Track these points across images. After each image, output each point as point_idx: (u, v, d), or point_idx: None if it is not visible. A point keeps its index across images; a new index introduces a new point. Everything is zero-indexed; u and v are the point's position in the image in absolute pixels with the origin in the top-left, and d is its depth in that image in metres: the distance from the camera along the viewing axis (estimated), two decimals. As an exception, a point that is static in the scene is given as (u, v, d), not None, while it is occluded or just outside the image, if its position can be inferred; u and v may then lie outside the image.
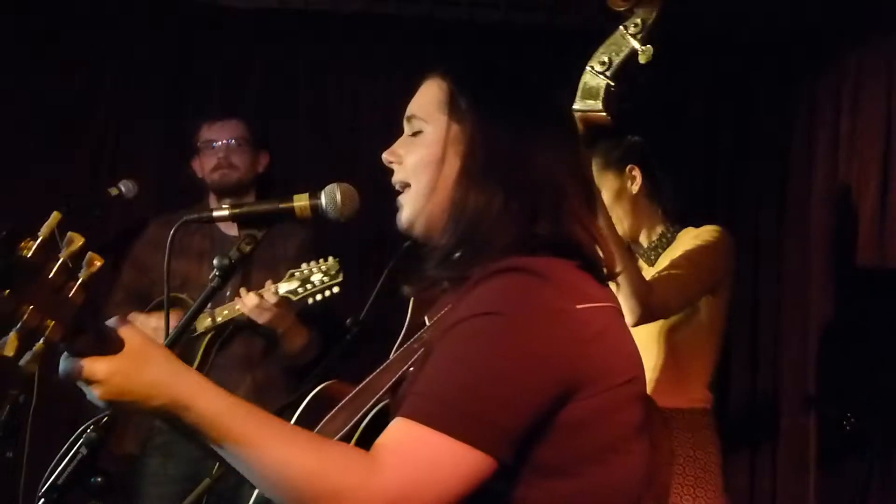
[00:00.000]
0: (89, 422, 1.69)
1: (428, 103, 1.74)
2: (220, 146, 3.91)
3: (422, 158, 1.71)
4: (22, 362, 1.39)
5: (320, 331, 3.89)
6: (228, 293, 3.71)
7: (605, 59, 2.51)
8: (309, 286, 3.58)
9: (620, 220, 3.35)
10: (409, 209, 1.73)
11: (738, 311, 4.54)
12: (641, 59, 2.48)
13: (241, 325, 3.74)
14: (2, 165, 4.38)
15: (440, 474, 1.41)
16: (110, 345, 1.44)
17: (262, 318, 3.62)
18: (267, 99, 4.62)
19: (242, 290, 3.60)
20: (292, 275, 3.61)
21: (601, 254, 1.66)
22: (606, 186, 3.35)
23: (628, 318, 3.01)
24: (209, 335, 3.69)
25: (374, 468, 1.40)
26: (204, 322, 3.66)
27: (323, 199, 1.90)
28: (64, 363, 1.42)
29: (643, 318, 3.01)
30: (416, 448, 1.42)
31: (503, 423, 1.42)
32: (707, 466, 3.23)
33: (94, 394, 1.44)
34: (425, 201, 1.70)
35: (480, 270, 1.54)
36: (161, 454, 3.74)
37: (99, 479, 1.52)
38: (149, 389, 1.43)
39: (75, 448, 1.63)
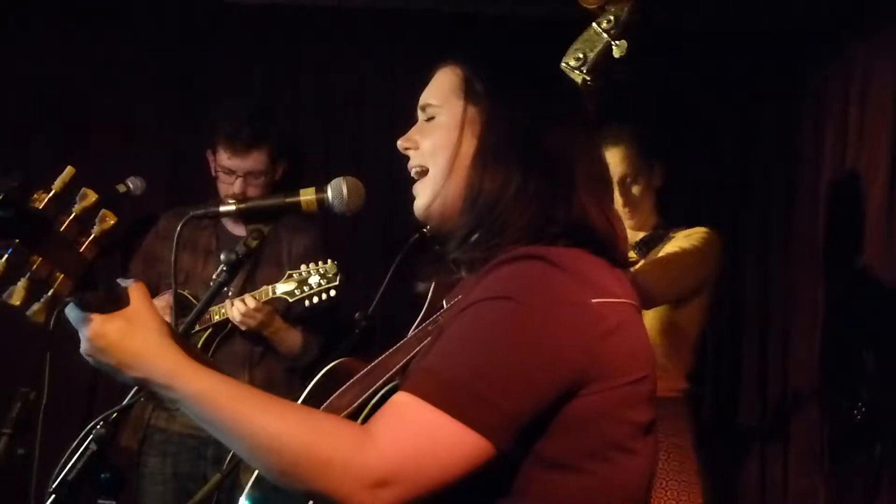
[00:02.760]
0: (98, 418, 1.69)
1: (442, 89, 1.73)
2: (238, 181, 3.83)
3: (439, 141, 1.70)
4: (29, 312, 1.41)
5: (320, 333, 3.90)
6: (231, 292, 3.73)
7: (580, 55, 2.52)
8: (306, 288, 3.59)
9: (643, 212, 3.42)
10: (426, 195, 1.72)
11: (747, 304, 4.55)
12: (616, 54, 2.49)
13: None
14: (9, 162, 4.39)
15: (436, 452, 1.39)
16: (115, 303, 1.45)
17: (245, 326, 3.64)
18: (273, 93, 4.62)
19: (228, 302, 3.62)
20: (290, 276, 3.62)
21: (616, 238, 1.65)
22: (642, 175, 3.40)
23: None
24: (207, 332, 3.70)
25: (368, 440, 1.38)
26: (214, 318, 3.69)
27: (329, 193, 1.90)
28: (70, 311, 1.45)
29: None
30: (414, 423, 1.40)
31: (504, 409, 1.40)
32: (685, 451, 3.32)
33: (83, 345, 1.47)
34: (442, 184, 1.68)
35: (499, 255, 1.53)
36: (160, 453, 3.76)
37: (108, 475, 1.52)
38: (128, 359, 1.45)
39: (85, 444, 1.63)
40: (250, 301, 3.60)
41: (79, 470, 1.58)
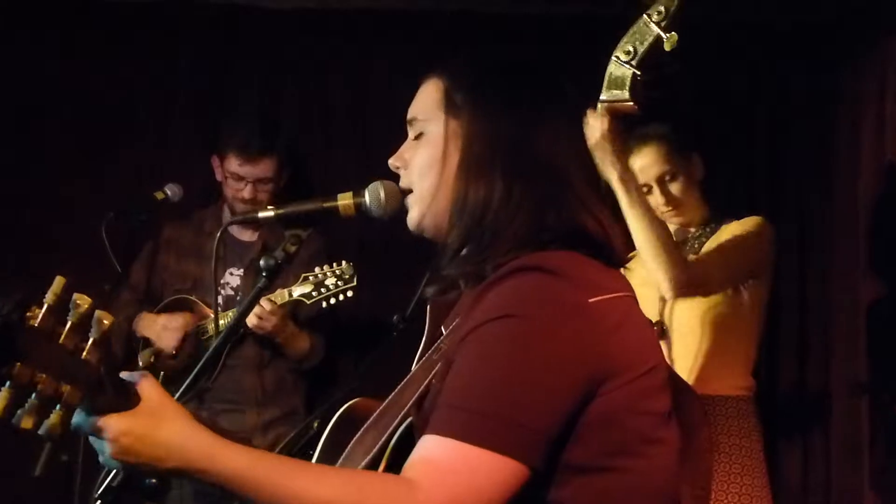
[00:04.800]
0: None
1: (426, 104, 1.73)
2: (248, 187, 3.91)
3: (425, 160, 1.71)
4: (41, 431, 1.39)
5: (324, 335, 3.93)
6: (240, 297, 3.76)
7: (630, 49, 2.49)
8: (323, 290, 3.62)
9: (691, 207, 3.39)
10: (415, 211, 1.74)
11: (787, 299, 4.51)
12: (666, 47, 2.46)
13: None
14: (48, 172, 4.44)
15: (478, 487, 1.40)
16: (127, 400, 1.44)
17: (261, 330, 3.66)
18: (305, 99, 4.64)
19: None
20: (306, 278, 3.64)
21: (610, 238, 1.64)
22: (683, 171, 3.36)
23: (669, 291, 2.99)
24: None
25: (414, 491, 1.39)
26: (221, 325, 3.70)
27: (367, 197, 1.90)
28: (77, 417, 1.42)
29: (684, 288, 2.99)
30: (451, 464, 1.40)
31: (532, 428, 1.41)
32: (752, 454, 3.22)
33: (104, 451, 1.44)
34: (430, 201, 1.69)
35: (493, 271, 1.53)
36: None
37: (153, 481, 1.53)
38: (160, 452, 1.43)
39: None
40: (266, 304, 3.62)
41: (123, 476, 1.58)
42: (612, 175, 2.78)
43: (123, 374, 1.48)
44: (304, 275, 3.65)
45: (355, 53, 4.64)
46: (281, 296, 3.66)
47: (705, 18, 4.13)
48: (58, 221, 4.37)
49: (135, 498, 1.62)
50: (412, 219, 1.75)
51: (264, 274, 1.94)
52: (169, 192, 3.91)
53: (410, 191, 1.76)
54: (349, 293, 3.64)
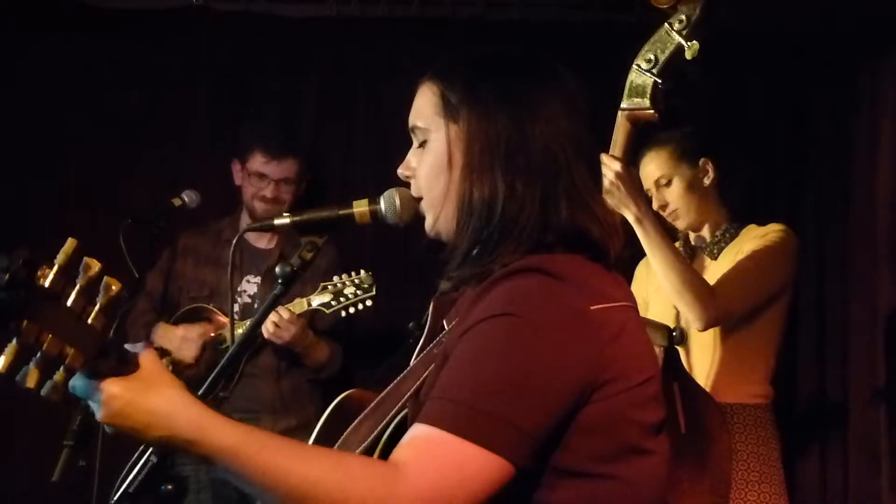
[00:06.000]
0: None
1: (425, 110, 1.73)
2: (271, 186, 3.94)
3: (431, 169, 1.71)
4: (43, 392, 1.41)
5: (341, 345, 3.93)
6: (257, 305, 3.76)
7: (651, 57, 2.49)
8: (342, 299, 3.63)
9: (689, 212, 3.36)
10: (429, 217, 1.74)
11: (805, 305, 4.49)
12: (687, 55, 2.46)
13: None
14: (68, 178, 4.47)
15: (463, 479, 1.40)
16: (127, 367, 1.45)
17: (280, 340, 3.66)
18: (324, 107, 4.65)
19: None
20: (325, 288, 3.65)
21: (608, 237, 1.64)
22: (679, 176, 3.35)
23: (696, 325, 3.00)
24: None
25: (399, 477, 1.40)
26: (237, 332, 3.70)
27: (382, 205, 1.90)
28: (78, 381, 1.44)
29: (710, 325, 3.00)
30: (439, 454, 1.41)
31: (521, 427, 1.42)
32: (770, 461, 3.21)
33: (97, 412, 1.45)
34: (441, 206, 1.70)
35: (498, 270, 1.54)
36: (193, 461, 3.78)
37: (169, 487, 1.53)
38: (149, 418, 1.44)
39: (146, 456, 1.65)
40: (284, 313, 3.63)
41: (140, 482, 1.59)
42: (628, 216, 2.81)
43: (127, 346, 1.50)
44: (322, 284, 3.66)
45: (372, 61, 4.65)
46: (300, 305, 3.67)
47: (725, 25, 4.13)
48: (76, 226, 4.39)
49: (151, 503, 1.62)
50: (428, 224, 1.76)
51: (280, 281, 1.95)
52: (186, 199, 3.93)
53: (420, 196, 1.77)
54: (368, 302, 3.65)
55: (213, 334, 3.86)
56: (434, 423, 1.43)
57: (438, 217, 1.71)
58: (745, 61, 4.53)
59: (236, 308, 3.90)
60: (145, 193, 4.38)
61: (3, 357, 1.37)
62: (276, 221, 2.01)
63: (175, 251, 4.01)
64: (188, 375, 3.83)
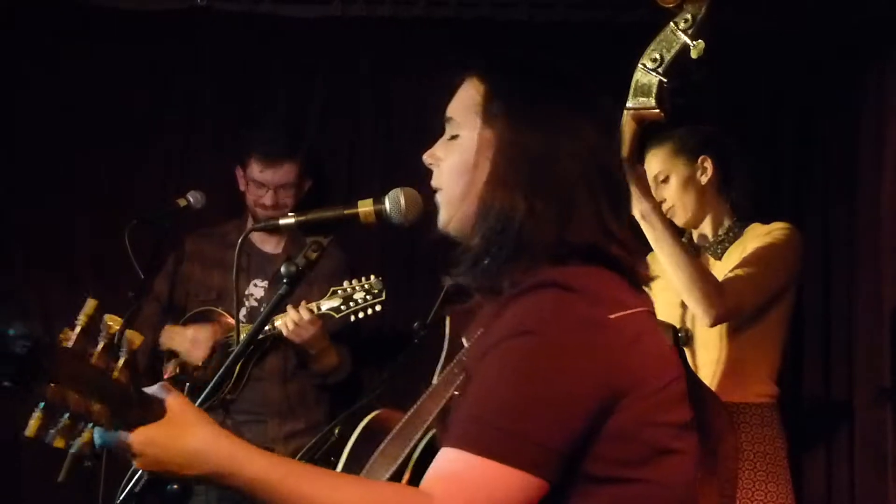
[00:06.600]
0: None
1: (464, 106, 1.74)
2: (270, 193, 3.93)
3: (456, 166, 1.72)
4: (73, 450, 1.44)
5: (349, 351, 3.92)
6: (265, 308, 3.75)
7: (657, 56, 2.49)
8: (352, 304, 3.62)
9: (685, 209, 3.35)
10: (444, 213, 1.75)
11: (810, 305, 4.48)
12: (693, 55, 2.45)
13: (278, 339, 3.77)
14: (74, 179, 4.47)
15: (496, 501, 1.41)
16: (153, 413, 1.47)
17: (298, 338, 3.65)
18: (331, 107, 4.65)
19: (289, 308, 3.62)
20: (335, 292, 3.64)
21: (631, 260, 1.64)
22: (676, 173, 3.34)
23: (704, 321, 3.00)
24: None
25: (431, 502, 1.40)
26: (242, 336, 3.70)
27: (387, 204, 1.91)
28: (101, 435, 1.45)
29: (719, 320, 2.99)
30: (468, 477, 1.42)
31: (550, 444, 1.43)
32: (776, 460, 3.20)
33: (134, 462, 1.47)
34: (459, 205, 1.71)
35: (512, 287, 1.55)
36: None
37: (175, 487, 1.54)
38: (187, 459, 1.46)
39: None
40: (305, 312, 3.61)
41: (146, 482, 1.59)
42: (634, 212, 2.80)
43: (147, 389, 1.51)
44: (332, 289, 3.66)
45: (377, 61, 4.65)
46: (310, 310, 3.66)
47: (730, 25, 4.12)
48: (81, 227, 4.40)
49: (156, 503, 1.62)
50: (441, 219, 1.76)
51: (285, 281, 1.95)
52: (191, 199, 3.93)
53: (439, 189, 1.77)
54: (377, 307, 3.65)
55: (224, 336, 3.85)
56: (461, 446, 1.44)
57: (454, 216, 1.72)
58: (751, 61, 4.52)
59: (244, 312, 3.89)
60: (150, 194, 4.38)
61: (31, 422, 1.41)
62: (282, 221, 2.02)
63: (181, 255, 4.01)
64: (197, 377, 3.83)
